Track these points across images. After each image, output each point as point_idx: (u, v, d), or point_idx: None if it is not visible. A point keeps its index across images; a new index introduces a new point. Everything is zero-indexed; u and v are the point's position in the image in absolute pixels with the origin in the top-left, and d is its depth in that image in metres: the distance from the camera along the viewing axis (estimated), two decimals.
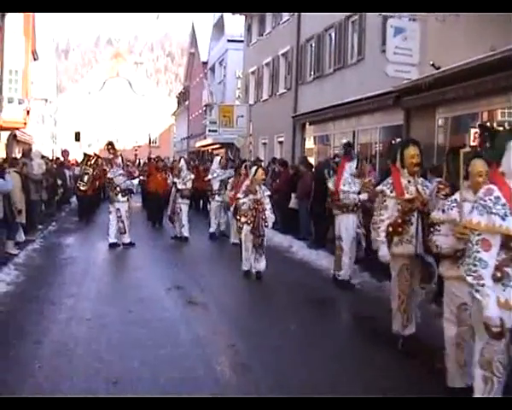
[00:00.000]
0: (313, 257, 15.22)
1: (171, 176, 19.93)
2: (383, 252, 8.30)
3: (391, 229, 8.18)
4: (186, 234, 18.31)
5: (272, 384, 6.87)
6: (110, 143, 17.74)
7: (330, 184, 12.59)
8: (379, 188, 8.61)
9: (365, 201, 12.09)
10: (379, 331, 9.17)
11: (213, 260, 15.57)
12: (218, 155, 21.56)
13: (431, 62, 16.02)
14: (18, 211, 14.79)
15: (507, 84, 13.35)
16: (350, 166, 12.34)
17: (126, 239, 16.82)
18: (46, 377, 6.93)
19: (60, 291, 11.48)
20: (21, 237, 15.60)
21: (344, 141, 18.01)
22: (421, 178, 8.58)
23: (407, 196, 8.22)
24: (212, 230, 19.15)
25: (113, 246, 16.72)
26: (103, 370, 7.14)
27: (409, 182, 8.30)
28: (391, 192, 8.28)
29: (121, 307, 10.20)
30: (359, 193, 12.16)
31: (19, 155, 22.08)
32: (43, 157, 22.50)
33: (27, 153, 19.59)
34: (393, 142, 8.72)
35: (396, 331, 8.43)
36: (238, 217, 13.36)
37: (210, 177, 19.47)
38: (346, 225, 12.18)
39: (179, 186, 18.46)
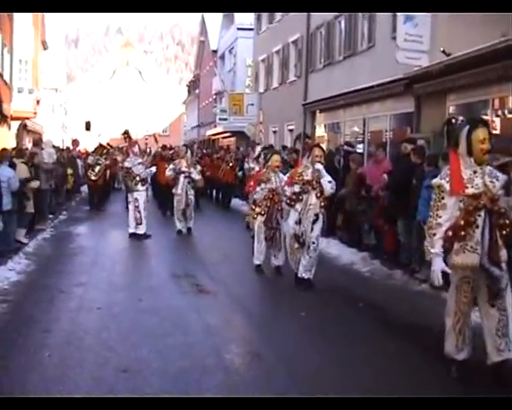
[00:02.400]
0: (323, 245, 15.18)
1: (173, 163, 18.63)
2: (436, 267, 6.66)
3: (451, 233, 6.57)
4: (191, 225, 17.75)
5: (283, 373, 6.84)
6: (126, 132, 17.59)
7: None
8: (435, 181, 6.83)
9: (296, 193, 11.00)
10: (389, 320, 9.19)
11: (226, 253, 14.96)
12: (259, 144, 20.70)
13: (441, 49, 15.91)
14: (26, 200, 14.73)
15: None
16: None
17: (141, 230, 16.56)
18: (55, 366, 6.90)
19: (69, 280, 11.45)
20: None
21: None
22: (490, 168, 6.79)
23: (471, 190, 6.53)
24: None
25: (132, 236, 16.53)
26: (113, 359, 7.11)
27: (474, 173, 6.59)
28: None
29: (131, 296, 10.18)
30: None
31: (29, 145, 22.09)
32: (53, 147, 22.55)
33: (38, 142, 19.57)
34: (453, 121, 6.62)
35: (447, 354, 6.87)
36: (253, 207, 12.72)
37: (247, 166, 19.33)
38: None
39: (195, 176, 17.56)
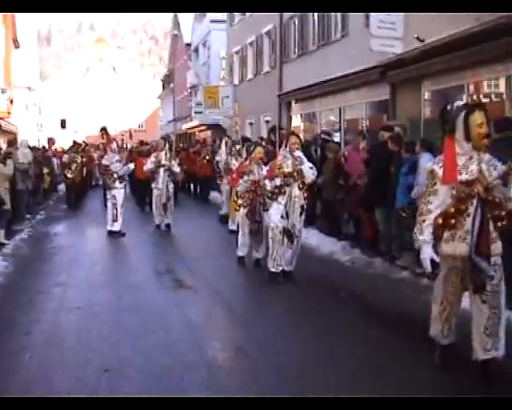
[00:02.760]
0: (303, 235, 15.15)
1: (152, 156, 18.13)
2: (426, 254, 6.50)
3: (441, 221, 6.34)
4: (171, 221, 17.28)
5: (268, 366, 6.83)
6: (104, 129, 17.20)
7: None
8: (428, 166, 6.72)
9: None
10: (371, 308, 9.21)
11: (207, 247, 14.92)
12: (227, 136, 20.17)
13: (415, 35, 15.92)
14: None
15: (492, 56, 13.31)
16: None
17: (116, 227, 16.34)
18: (37, 368, 6.84)
19: (48, 280, 11.35)
20: None
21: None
22: (489, 155, 6.49)
23: (464, 177, 6.28)
24: (222, 212, 18.51)
25: (111, 234, 16.35)
26: (94, 358, 7.04)
27: (470, 159, 6.34)
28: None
29: (111, 294, 10.11)
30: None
31: (4, 146, 21.84)
32: (29, 147, 22.34)
33: (13, 142, 19.36)
34: (448, 107, 6.15)
35: (432, 336, 6.81)
36: (234, 199, 12.72)
37: (218, 159, 18.80)
38: None
39: (175, 169, 17.36)
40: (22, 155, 18.03)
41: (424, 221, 6.46)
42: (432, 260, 6.50)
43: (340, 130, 22.67)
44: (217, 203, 21.70)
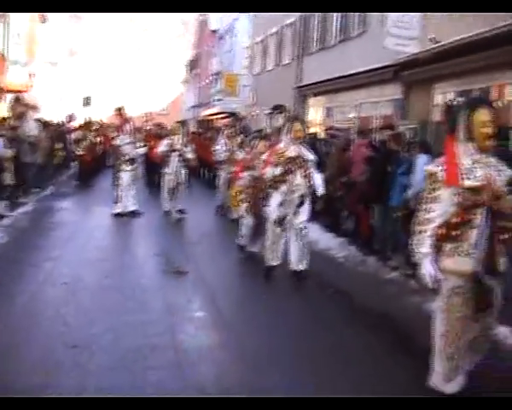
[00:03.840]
0: None
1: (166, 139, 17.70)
2: (426, 269, 5.63)
3: (442, 232, 5.55)
4: (181, 206, 16.83)
5: (238, 357, 6.82)
6: (119, 109, 17.17)
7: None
8: (429, 168, 5.80)
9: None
10: (356, 307, 9.15)
11: (207, 233, 14.91)
12: (228, 126, 19.83)
13: (431, 36, 15.83)
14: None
15: (504, 61, 13.21)
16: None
17: (118, 209, 16.34)
18: (9, 335, 6.93)
19: (42, 255, 11.39)
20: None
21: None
22: (494, 158, 5.74)
23: (470, 183, 5.49)
24: (219, 203, 18.05)
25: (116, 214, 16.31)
26: (66, 334, 7.09)
27: (476, 162, 5.57)
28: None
29: (99, 273, 10.14)
30: None
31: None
32: (38, 120, 22.40)
33: (21, 115, 19.41)
34: (451, 103, 5.22)
35: (434, 386, 5.77)
36: (234, 194, 12.50)
37: (217, 147, 18.22)
38: None
39: (189, 156, 16.80)
40: (29, 129, 18.08)
41: (424, 232, 5.66)
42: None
43: (354, 127, 22.56)
44: None
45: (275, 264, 10.34)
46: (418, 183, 10.54)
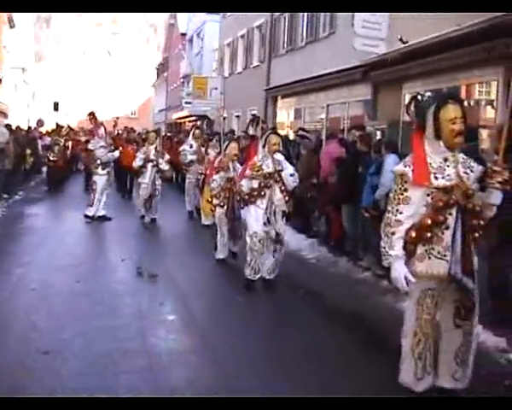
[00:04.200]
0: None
1: (141, 150, 17.27)
2: (398, 272, 5.45)
3: (414, 234, 5.39)
4: (156, 216, 16.75)
5: (207, 360, 6.78)
6: (91, 113, 16.97)
7: None
8: (397, 169, 5.57)
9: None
10: (327, 307, 9.18)
11: (178, 238, 14.97)
12: (195, 127, 19.64)
13: (399, 37, 15.91)
14: None
15: (470, 60, 13.31)
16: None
17: (91, 212, 16.19)
18: None
19: (11, 261, 11.29)
20: None
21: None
22: (463, 155, 5.62)
23: (441, 182, 5.38)
24: (188, 208, 17.80)
25: (88, 218, 16.21)
26: (37, 340, 7.03)
27: (445, 161, 5.46)
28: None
29: (70, 278, 10.04)
30: None
31: None
32: (7, 126, 22.27)
33: None
34: (419, 97, 4.88)
35: (403, 382, 5.76)
36: (209, 198, 12.00)
37: (184, 148, 17.83)
38: None
39: (163, 167, 16.64)
40: None
41: (393, 234, 5.45)
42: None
43: (323, 128, 22.62)
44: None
45: (256, 277, 9.93)
46: (386, 183, 10.61)
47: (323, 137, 21.13)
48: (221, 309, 9.00)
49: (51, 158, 23.42)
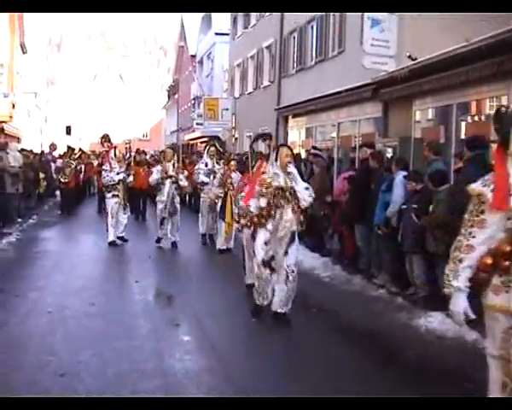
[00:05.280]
0: None
1: (157, 166, 16.90)
2: (458, 307, 4.68)
3: (490, 261, 4.57)
4: (178, 238, 16.15)
5: (224, 380, 6.79)
6: (104, 136, 16.98)
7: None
8: (474, 187, 4.74)
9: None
10: (341, 325, 9.17)
11: (192, 260, 14.93)
12: (210, 144, 18.72)
13: (408, 54, 15.96)
14: None
15: (480, 76, 13.32)
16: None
17: (109, 237, 15.94)
18: None
19: (27, 284, 11.39)
20: None
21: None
22: None
23: None
24: (201, 231, 17.07)
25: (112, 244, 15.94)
26: (53, 362, 7.07)
27: None
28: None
29: (84, 300, 10.10)
30: None
31: None
32: (23, 150, 22.49)
33: (4, 146, 19.41)
34: (503, 109, 4.26)
35: None
36: (237, 218, 10.62)
37: (200, 167, 16.88)
38: None
39: (182, 183, 16.11)
40: (13, 159, 18.09)
41: (461, 261, 4.67)
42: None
43: (334, 146, 22.65)
44: None
45: (265, 304, 9.35)
46: (397, 200, 10.64)
47: (335, 156, 21.31)
48: (235, 329, 9.03)
49: (62, 180, 23.61)
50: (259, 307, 9.37)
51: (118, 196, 16.30)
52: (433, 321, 8.99)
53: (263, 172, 9.38)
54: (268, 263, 9.06)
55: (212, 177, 16.21)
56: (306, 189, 9.07)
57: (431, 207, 9.73)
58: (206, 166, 16.66)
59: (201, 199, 17.13)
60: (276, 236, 8.97)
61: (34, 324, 8.81)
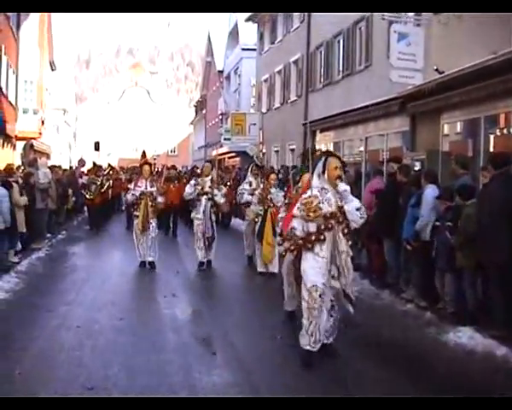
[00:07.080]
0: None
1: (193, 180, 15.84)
2: None
3: None
4: (212, 257, 15.43)
5: (252, 388, 6.88)
6: (143, 153, 16.42)
7: None
8: None
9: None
10: (368, 339, 9.16)
11: (221, 277, 14.65)
12: (253, 164, 17.40)
13: (435, 67, 15.92)
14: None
15: (507, 88, 13.25)
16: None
17: (139, 258, 15.33)
18: (23, 383, 6.94)
19: (56, 299, 11.54)
20: (18, 246, 15.36)
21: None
22: None
23: None
24: (247, 252, 16.06)
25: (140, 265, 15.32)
26: (82, 376, 7.13)
27: None
28: None
29: (113, 315, 10.21)
30: None
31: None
32: (54, 167, 22.73)
33: (33, 162, 19.62)
34: None
35: None
36: (281, 241, 9.34)
37: (245, 187, 15.56)
38: None
39: (218, 199, 15.12)
40: (43, 175, 18.26)
41: None
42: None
43: (362, 160, 22.62)
44: (239, 231, 20.99)
45: (317, 347, 7.99)
46: (426, 214, 10.58)
47: (363, 170, 21.24)
48: (262, 344, 8.98)
49: (87, 196, 23.82)
50: (310, 353, 7.92)
51: (137, 216, 15.25)
52: (462, 336, 8.93)
53: (307, 187, 8.22)
54: (321, 294, 7.87)
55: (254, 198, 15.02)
56: (358, 209, 7.96)
57: (459, 222, 9.67)
58: (251, 185, 15.44)
59: (245, 221, 16.14)
60: (340, 265, 7.96)
61: (63, 338, 8.87)
